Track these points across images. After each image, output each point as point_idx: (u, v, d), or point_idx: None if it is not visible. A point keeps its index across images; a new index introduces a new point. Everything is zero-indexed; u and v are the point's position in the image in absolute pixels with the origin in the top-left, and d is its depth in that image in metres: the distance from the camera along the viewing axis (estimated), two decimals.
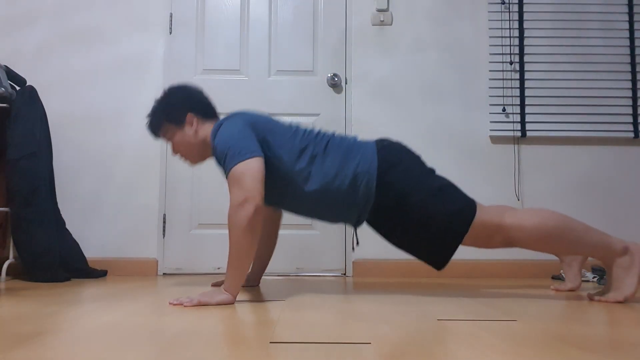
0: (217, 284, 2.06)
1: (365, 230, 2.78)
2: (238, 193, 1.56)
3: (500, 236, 1.69)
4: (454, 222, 1.69)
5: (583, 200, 2.84)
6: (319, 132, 1.82)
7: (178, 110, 1.84)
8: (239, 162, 1.59)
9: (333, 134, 1.84)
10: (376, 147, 1.78)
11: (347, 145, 1.78)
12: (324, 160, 1.74)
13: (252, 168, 1.59)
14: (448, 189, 1.75)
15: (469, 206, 1.71)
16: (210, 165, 2.86)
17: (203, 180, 2.86)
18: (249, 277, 2.13)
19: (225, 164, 1.62)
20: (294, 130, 1.79)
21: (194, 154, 1.88)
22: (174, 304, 1.53)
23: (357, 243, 1.97)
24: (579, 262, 2.05)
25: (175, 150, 1.88)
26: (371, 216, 1.78)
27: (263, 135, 1.72)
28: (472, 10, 2.93)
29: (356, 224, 1.84)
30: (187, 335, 1.07)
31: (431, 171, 1.81)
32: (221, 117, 1.88)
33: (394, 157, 1.77)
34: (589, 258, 2.12)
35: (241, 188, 1.56)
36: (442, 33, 2.92)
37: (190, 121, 1.84)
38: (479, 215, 1.69)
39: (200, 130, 1.84)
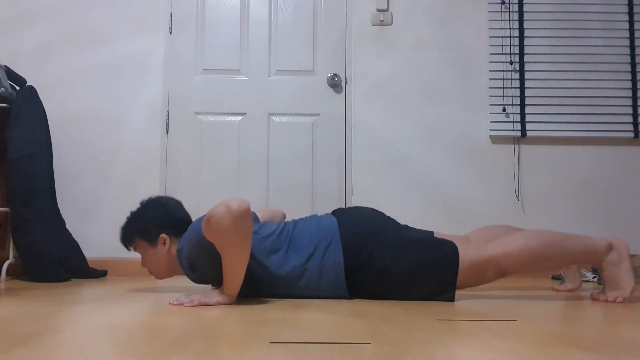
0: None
1: None
2: (215, 209, 1.48)
3: (492, 269, 1.68)
4: (444, 266, 1.68)
5: (583, 200, 2.84)
6: (282, 230, 1.77)
7: (151, 229, 1.80)
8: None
9: (295, 225, 1.78)
10: (339, 232, 1.73)
11: (309, 240, 1.73)
12: (288, 260, 1.70)
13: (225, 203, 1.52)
14: (426, 242, 1.73)
15: (451, 248, 1.70)
16: (210, 165, 2.86)
17: (203, 180, 2.86)
18: None
19: (198, 231, 1.56)
20: (257, 231, 1.74)
21: (162, 271, 1.85)
22: (174, 304, 1.53)
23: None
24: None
25: (144, 264, 1.86)
26: (363, 292, 1.75)
27: None
28: (472, 10, 2.93)
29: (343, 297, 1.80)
30: (187, 335, 1.07)
31: (404, 230, 1.79)
32: None
33: (359, 240, 1.72)
34: None
35: (217, 206, 1.49)
36: (442, 33, 2.92)
37: (163, 241, 1.81)
38: (464, 255, 1.68)
39: (172, 249, 1.81)
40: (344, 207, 1.87)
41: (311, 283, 1.72)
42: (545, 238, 1.69)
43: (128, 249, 1.88)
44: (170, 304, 1.54)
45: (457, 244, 1.71)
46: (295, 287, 1.72)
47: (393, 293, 1.73)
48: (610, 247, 1.69)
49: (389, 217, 1.84)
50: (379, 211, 1.85)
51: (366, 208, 1.87)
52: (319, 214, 1.88)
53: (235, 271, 1.55)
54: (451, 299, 1.71)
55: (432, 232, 1.79)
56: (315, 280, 1.71)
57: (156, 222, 1.81)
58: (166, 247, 1.81)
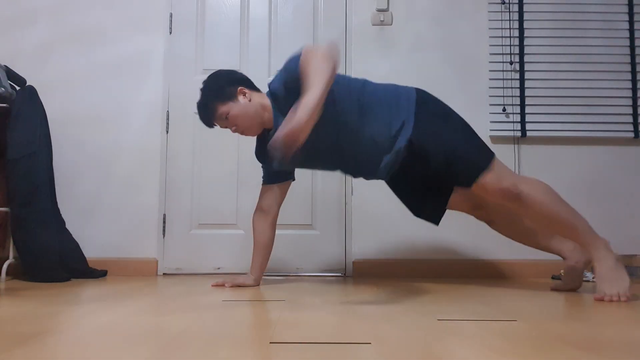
0: (217, 285, 2.08)
1: (364, 230, 2.80)
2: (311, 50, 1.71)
3: (510, 181, 1.79)
4: (483, 154, 1.87)
5: (583, 200, 2.83)
6: (364, 83, 1.94)
7: (228, 87, 1.94)
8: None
9: (365, 81, 1.97)
10: (416, 100, 1.91)
11: (391, 97, 1.90)
12: (372, 111, 1.86)
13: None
14: (477, 136, 1.94)
15: (490, 152, 1.89)
16: (210, 165, 2.86)
17: (203, 180, 2.86)
18: (250, 275, 2.14)
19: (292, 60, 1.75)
20: (345, 84, 1.89)
21: (253, 122, 1.96)
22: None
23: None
24: (583, 264, 2.04)
25: (233, 124, 1.95)
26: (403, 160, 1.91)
27: None
28: (472, 10, 2.93)
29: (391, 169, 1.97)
30: (187, 335, 1.07)
31: (463, 124, 1.96)
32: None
33: (431, 100, 1.95)
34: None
35: (315, 55, 1.66)
36: (442, 33, 2.92)
37: (242, 92, 1.94)
38: (499, 162, 1.86)
39: (253, 97, 1.94)
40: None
41: (386, 107, 1.87)
42: (562, 200, 1.86)
43: (212, 125, 1.99)
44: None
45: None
46: (368, 116, 1.86)
47: (427, 157, 1.86)
48: (606, 245, 1.78)
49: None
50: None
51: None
52: None
53: (311, 98, 1.45)
54: (471, 182, 1.83)
55: None
56: (390, 105, 1.87)
57: (229, 80, 1.96)
58: (247, 97, 1.94)
